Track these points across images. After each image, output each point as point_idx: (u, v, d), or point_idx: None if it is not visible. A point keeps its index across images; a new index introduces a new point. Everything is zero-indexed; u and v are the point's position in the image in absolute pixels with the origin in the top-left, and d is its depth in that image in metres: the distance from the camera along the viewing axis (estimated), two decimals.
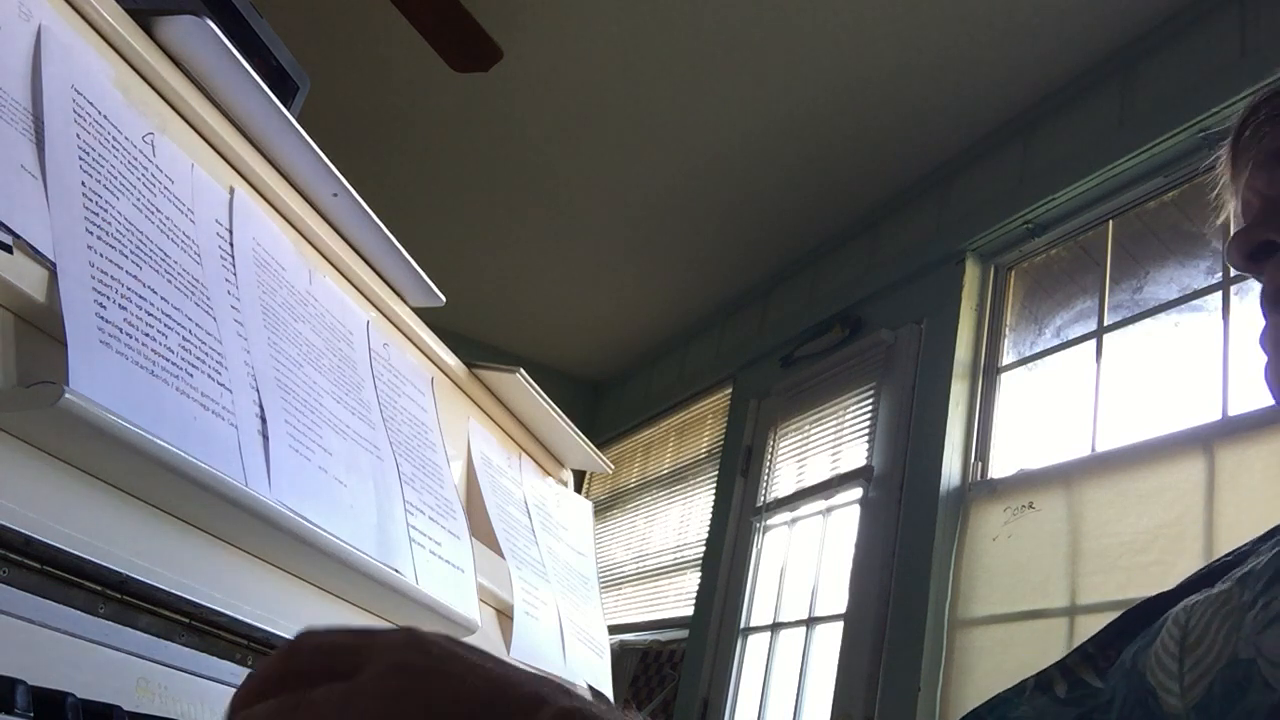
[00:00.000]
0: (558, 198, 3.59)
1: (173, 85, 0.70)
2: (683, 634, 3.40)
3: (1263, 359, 0.55)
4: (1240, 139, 0.58)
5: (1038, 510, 2.24)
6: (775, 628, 2.96)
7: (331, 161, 0.84)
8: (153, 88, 0.70)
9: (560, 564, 1.22)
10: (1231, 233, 0.57)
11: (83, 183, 0.58)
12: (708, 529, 3.46)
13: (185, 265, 0.65)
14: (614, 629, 3.70)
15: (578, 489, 1.42)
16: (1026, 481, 2.32)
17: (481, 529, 1.04)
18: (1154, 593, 0.52)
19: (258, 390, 0.68)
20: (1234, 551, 0.53)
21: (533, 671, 0.36)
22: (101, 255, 0.56)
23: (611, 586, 4.08)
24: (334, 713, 0.34)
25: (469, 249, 4.01)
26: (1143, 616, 0.49)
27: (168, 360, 0.58)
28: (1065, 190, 2.45)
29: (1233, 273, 2.05)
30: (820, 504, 2.96)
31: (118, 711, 0.46)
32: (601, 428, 4.72)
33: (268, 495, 0.63)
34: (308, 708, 0.34)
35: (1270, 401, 0.56)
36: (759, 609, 3.09)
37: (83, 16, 0.64)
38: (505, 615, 1.03)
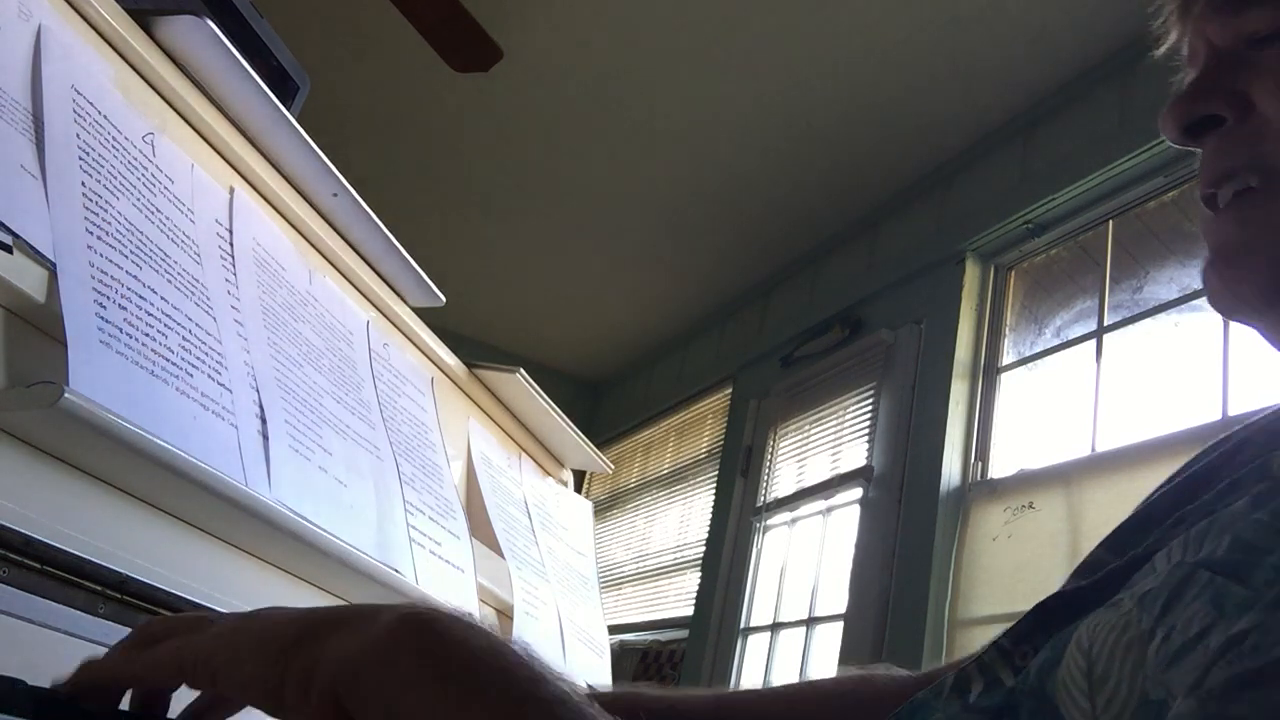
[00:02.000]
0: (557, 198, 3.59)
1: (173, 85, 0.70)
2: (683, 634, 3.40)
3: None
4: None
5: (1038, 510, 2.24)
6: (775, 628, 2.96)
7: (331, 161, 0.84)
8: (153, 88, 0.70)
9: (560, 564, 1.22)
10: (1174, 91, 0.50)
11: (83, 183, 0.58)
12: (708, 529, 3.46)
13: (185, 265, 0.65)
14: (614, 629, 3.70)
15: (578, 489, 1.42)
16: (1026, 481, 2.31)
17: (481, 529, 1.04)
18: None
19: (258, 390, 0.68)
20: (1140, 519, 0.49)
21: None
22: (101, 255, 0.56)
23: (611, 586, 4.08)
24: (171, 654, 0.40)
25: (470, 249, 4.01)
26: (1055, 614, 0.45)
27: (168, 360, 0.58)
28: (1065, 190, 2.45)
29: None
30: (820, 504, 2.96)
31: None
32: (601, 428, 4.72)
33: (268, 495, 0.63)
34: (147, 655, 0.40)
35: (1270, 401, 0.53)
36: (759, 609, 3.08)
37: (83, 16, 0.64)
38: (505, 615, 1.03)
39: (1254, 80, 0.46)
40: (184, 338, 0.61)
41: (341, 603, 0.76)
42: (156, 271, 0.61)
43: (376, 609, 0.38)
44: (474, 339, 4.61)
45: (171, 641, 0.40)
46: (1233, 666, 0.30)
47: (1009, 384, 2.56)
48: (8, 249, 0.51)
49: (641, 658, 3.59)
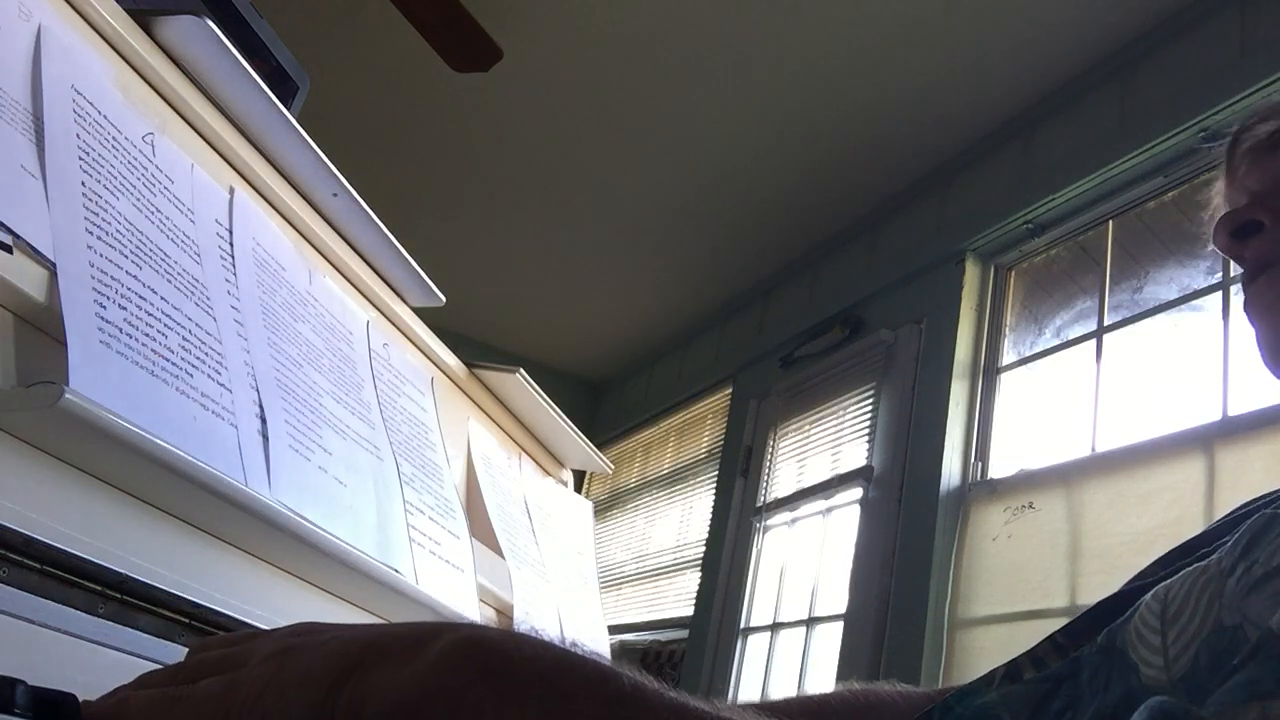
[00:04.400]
0: (557, 198, 3.59)
1: (173, 85, 0.70)
2: (683, 634, 3.40)
3: (1253, 332, 0.56)
4: (1236, 143, 0.60)
5: (1038, 510, 2.24)
6: (775, 628, 2.96)
7: (331, 161, 0.84)
8: (153, 88, 0.70)
9: (560, 564, 1.22)
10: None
11: (83, 183, 0.58)
12: (708, 529, 3.46)
13: (185, 265, 0.65)
14: (614, 629, 3.70)
15: (578, 489, 1.42)
16: (1026, 481, 2.31)
17: (481, 529, 1.04)
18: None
19: (258, 390, 0.68)
20: (1191, 544, 0.53)
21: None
22: (101, 255, 0.56)
23: (611, 586, 4.08)
24: (215, 699, 0.37)
25: (469, 249, 4.01)
26: (1114, 608, 0.48)
27: (168, 360, 0.58)
28: (1065, 190, 2.45)
29: (1233, 272, 2.05)
30: (820, 504, 2.96)
31: None
32: (601, 428, 4.72)
33: (268, 495, 0.63)
34: (188, 698, 0.38)
35: (1270, 401, 0.56)
36: (759, 609, 3.08)
37: (83, 16, 0.64)
38: (505, 615, 1.03)
39: None
40: (184, 338, 0.61)
41: (342, 603, 0.76)
42: (156, 271, 0.61)
43: (418, 635, 0.36)
44: (474, 339, 4.60)
45: (213, 681, 0.39)
46: None
47: (1009, 384, 2.56)
48: (8, 249, 0.51)
49: (641, 658, 3.59)
